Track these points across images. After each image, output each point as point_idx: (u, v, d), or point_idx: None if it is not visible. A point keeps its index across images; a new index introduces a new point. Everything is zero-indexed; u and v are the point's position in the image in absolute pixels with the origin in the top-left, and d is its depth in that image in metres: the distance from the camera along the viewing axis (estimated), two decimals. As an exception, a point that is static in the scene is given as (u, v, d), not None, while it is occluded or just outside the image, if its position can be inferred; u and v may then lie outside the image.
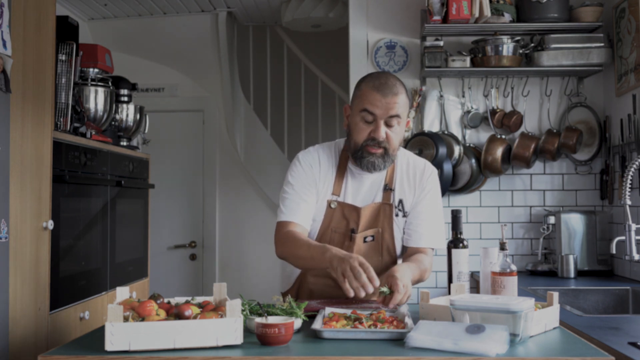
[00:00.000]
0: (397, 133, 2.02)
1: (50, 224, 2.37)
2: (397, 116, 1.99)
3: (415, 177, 2.14)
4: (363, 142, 2.01)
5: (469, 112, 3.50)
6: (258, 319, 1.57)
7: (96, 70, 2.96)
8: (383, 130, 1.99)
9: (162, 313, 1.57)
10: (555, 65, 3.30)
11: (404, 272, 1.85)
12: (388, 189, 2.12)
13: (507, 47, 3.32)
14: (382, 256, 2.11)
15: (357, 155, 2.03)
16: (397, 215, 2.12)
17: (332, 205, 2.10)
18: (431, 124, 3.51)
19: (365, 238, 2.09)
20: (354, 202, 2.12)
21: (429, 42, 3.37)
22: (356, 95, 2.05)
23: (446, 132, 3.48)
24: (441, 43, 3.37)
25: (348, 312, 1.79)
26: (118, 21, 4.57)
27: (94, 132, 2.87)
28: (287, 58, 5.14)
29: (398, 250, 2.15)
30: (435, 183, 2.17)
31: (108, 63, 3.04)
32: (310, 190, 2.10)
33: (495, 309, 1.55)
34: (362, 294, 1.74)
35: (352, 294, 1.74)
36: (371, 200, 2.12)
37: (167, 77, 4.76)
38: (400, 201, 2.13)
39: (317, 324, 1.64)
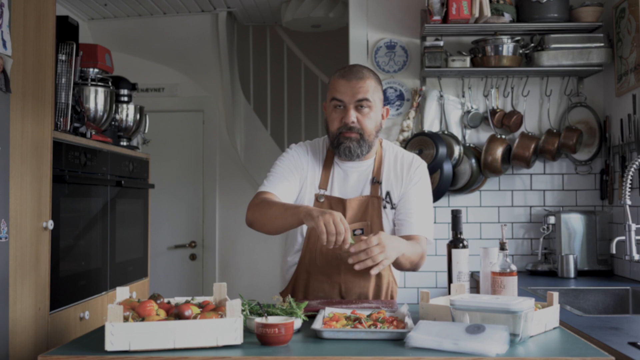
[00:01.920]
0: (369, 118, 2.06)
1: (50, 224, 2.37)
2: (366, 99, 2.04)
3: (403, 169, 2.16)
4: (337, 130, 2.07)
5: (469, 112, 3.50)
6: (258, 319, 1.57)
7: (96, 70, 2.96)
8: (353, 115, 2.04)
9: (162, 313, 1.57)
10: (555, 65, 3.30)
11: (386, 235, 1.86)
12: (375, 182, 2.14)
13: (507, 47, 3.32)
14: None
15: (335, 143, 2.09)
16: (384, 207, 2.13)
17: (320, 199, 2.12)
18: (431, 124, 3.51)
19: (354, 231, 2.10)
20: (341, 195, 2.14)
21: (429, 42, 3.37)
22: (328, 89, 2.13)
23: (446, 132, 3.48)
24: (441, 43, 3.37)
25: (348, 312, 1.79)
26: (118, 21, 4.57)
27: (94, 132, 2.87)
28: (287, 58, 5.14)
29: None
30: (424, 175, 2.18)
31: (108, 63, 3.04)
32: (294, 173, 2.14)
33: (495, 309, 1.56)
34: (334, 244, 1.79)
35: (325, 240, 1.78)
36: (359, 193, 2.14)
37: (167, 77, 4.76)
38: (388, 193, 2.14)
39: (317, 324, 1.64)
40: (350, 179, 2.15)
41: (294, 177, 2.13)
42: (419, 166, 2.17)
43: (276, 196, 2.08)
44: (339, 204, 2.11)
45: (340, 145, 2.07)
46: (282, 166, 2.15)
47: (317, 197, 2.12)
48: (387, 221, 2.13)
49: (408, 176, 2.14)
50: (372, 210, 2.12)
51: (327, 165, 2.16)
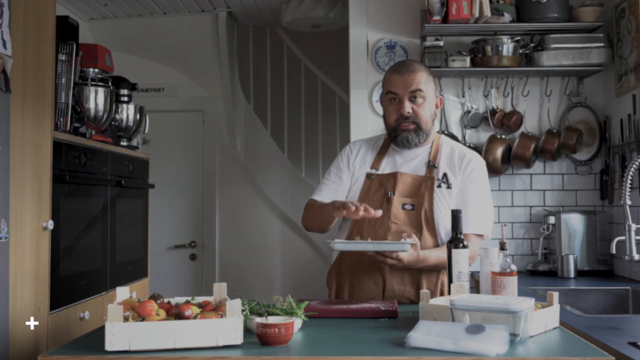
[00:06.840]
0: (424, 108, 2.16)
1: (50, 224, 2.37)
2: (419, 90, 2.13)
3: (461, 160, 2.21)
4: (395, 123, 2.17)
5: (469, 112, 3.50)
6: (258, 319, 1.57)
7: (96, 70, 2.95)
8: (408, 106, 2.14)
9: (162, 313, 1.57)
10: (555, 65, 3.30)
11: (416, 259, 2.02)
12: (431, 165, 2.19)
13: (507, 47, 3.32)
14: (421, 231, 2.13)
15: (392, 135, 2.19)
16: (439, 186, 2.17)
17: (371, 177, 2.21)
18: (431, 124, 3.50)
19: (404, 205, 2.14)
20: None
21: (429, 42, 3.37)
22: (382, 84, 2.24)
23: (446, 132, 3.48)
24: (441, 43, 3.37)
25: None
26: (118, 21, 4.56)
27: (94, 132, 2.87)
28: (287, 58, 5.14)
29: (439, 224, 2.15)
30: (482, 173, 2.24)
31: (108, 63, 3.04)
32: (344, 172, 2.29)
33: (495, 309, 1.56)
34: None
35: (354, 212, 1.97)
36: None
37: (167, 77, 4.76)
38: (445, 174, 2.19)
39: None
40: (407, 162, 2.22)
41: (343, 176, 2.28)
42: (477, 163, 2.22)
43: (320, 201, 2.23)
44: (390, 178, 2.18)
45: (398, 136, 2.17)
46: (333, 170, 2.32)
47: (368, 175, 2.22)
48: (439, 201, 2.15)
49: (466, 170, 2.19)
50: (424, 189, 2.16)
51: (382, 151, 2.27)
